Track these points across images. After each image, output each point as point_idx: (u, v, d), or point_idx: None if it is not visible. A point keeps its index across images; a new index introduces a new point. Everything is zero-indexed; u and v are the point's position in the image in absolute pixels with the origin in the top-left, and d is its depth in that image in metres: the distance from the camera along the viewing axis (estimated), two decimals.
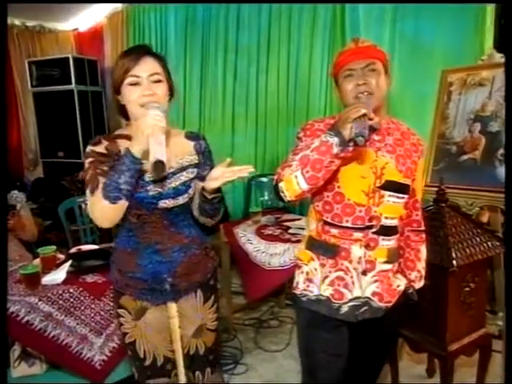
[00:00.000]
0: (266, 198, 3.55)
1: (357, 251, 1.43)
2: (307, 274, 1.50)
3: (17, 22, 5.17)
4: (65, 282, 1.99)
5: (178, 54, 4.55)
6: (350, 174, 1.40)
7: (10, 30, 4.97)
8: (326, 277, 1.46)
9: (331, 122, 1.41)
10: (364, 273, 1.44)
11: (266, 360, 2.70)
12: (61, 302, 1.90)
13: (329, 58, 3.60)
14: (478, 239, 1.91)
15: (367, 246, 1.43)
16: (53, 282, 1.98)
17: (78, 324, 1.92)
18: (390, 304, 1.48)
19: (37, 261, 2.16)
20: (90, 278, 2.04)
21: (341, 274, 1.44)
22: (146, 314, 1.49)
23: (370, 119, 1.23)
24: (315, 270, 1.48)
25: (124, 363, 1.94)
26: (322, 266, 1.47)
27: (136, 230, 1.44)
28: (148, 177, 1.39)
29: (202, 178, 1.47)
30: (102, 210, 1.32)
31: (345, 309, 1.45)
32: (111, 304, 1.80)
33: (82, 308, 1.94)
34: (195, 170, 1.49)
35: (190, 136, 1.55)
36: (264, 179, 3.72)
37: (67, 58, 4.79)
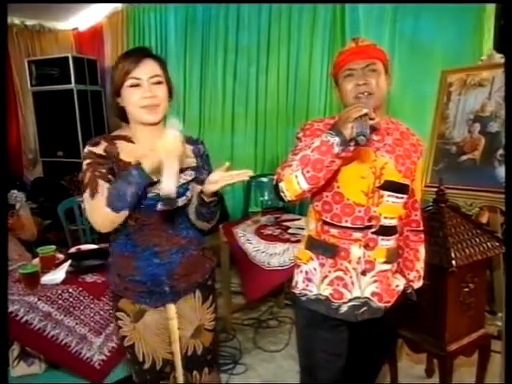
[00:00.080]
0: (266, 197, 3.55)
1: (356, 251, 1.43)
2: (306, 273, 1.50)
3: (16, 21, 5.17)
4: (64, 282, 1.99)
5: (177, 54, 4.55)
6: (349, 174, 1.40)
7: (9, 29, 4.97)
8: (326, 276, 1.46)
9: (331, 122, 1.41)
10: (363, 273, 1.44)
11: (265, 360, 2.70)
12: (60, 301, 1.90)
13: (329, 58, 3.60)
14: (477, 240, 1.91)
15: (366, 246, 1.43)
16: (52, 282, 1.98)
17: (77, 324, 1.92)
18: (390, 304, 1.48)
19: (36, 260, 2.16)
20: (89, 278, 2.04)
21: (340, 273, 1.44)
22: (145, 316, 1.49)
23: (371, 119, 1.23)
24: (314, 269, 1.48)
25: (122, 364, 1.94)
26: (322, 265, 1.47)
27: (134, 232, 1.44)
28: None
29: (200, 182, 1.47)
30: (103, 216, 1.31)
31: (344, 308, 1.45)
32: (110, 304, 1.80)
33: (82, 308, 1.94)
34: (193, 172, 1.49)
35: (189, 140, 1.55)
36: (264, 179, 3.72)
37: (67, 58, 4.79)
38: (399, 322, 1.73)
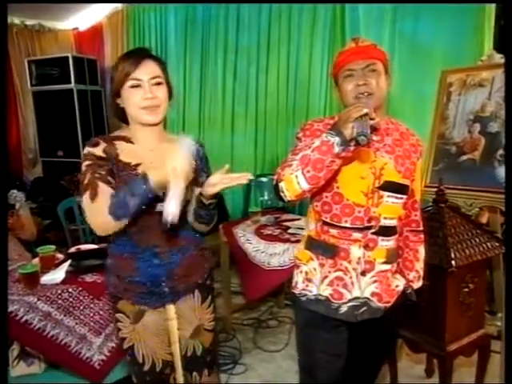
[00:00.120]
0: (266, 197, 3.55)
1: (356, 252, 1.43)
2: (306, 273, 1.50)
3: (16, 20, 5.17)
4: (64, 282, 1.99)
5: (177, 54, 4.55)
6: (349, 174, 1.40)
7: (9, 29, 4.97)
8: (326, 277, 1.46)
9: (330, 122, 1.41)
10: (363, 273, 1.44)
11: (265, 360, 2.70)
12: (60, 301, 1.90)
13: (329, 58, 3.60)
14: (477, 240, 1.91)
15: (366, 247, 1.43)
16: (52, 282, 1.98)
17: (76, 323, 1.92)
18: (389, 304, 1.48)
19: (36, 260, 2.16)
20: (89, 278, 2.04)
21: (340, 274, 1.44)
22: (145, 317, 1.48)
23: (372, 119, 1.23)
24: (314, 269, 1.48)
25: (122, 364, 1.93)
26: (322, 266, 1.47)
27: (134, 233, 1.44)
28: None
29: (199, 184, 1.48)
30: (104, 222, 1.31)
31: (344, 309, 1.45)
32: (110, 305, 1.80)
33: (81, 308, 1.94)
34: (192, 174, 1.49)
35: None
36: (263, 179, 3.71)
37: (67, 57, 4.79)
38: (399, 322, 1.73)
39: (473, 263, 1.84)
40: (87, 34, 5.54)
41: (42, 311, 1.85)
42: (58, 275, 2.01)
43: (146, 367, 1.51)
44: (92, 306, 1.96)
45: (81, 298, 1.95)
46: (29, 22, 5.28)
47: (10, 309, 1.78)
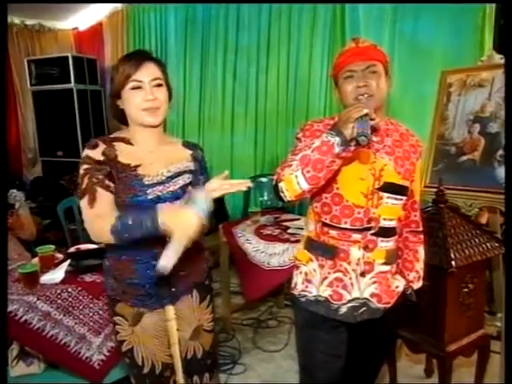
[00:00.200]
0: (265, 197, 3.56)
1: (355, 253, 1.43)
2: (306, 274, 1.50)
3: (16, 20, 5.17)
4: (63, 282, 1.98)
5: (177, 54, 4.56)
6: (348, 175, 1.40)
7: (9, 29, 4.97)
8: (325, 278, 1.46)
9: (330, 122, 1.40)
10: (362, 274, 1.44)
11: (265, 360, 2.70)
12: (59, 301, 1.90)
13: (329, 58, 3.60)
14: (476, 240, 1.91)
15: (366, 248, 1.42)
16: (51, 281, 1.98)
17: (76, 323, 1.91)
18: (389, 305, 1.48)
19: (35, 260, 2.16)
20: (88, 278, 2.03)
21: (339, 275, 1.44)
22: (143, 319, 1.48)
23: (372, 119, 1.23)
24: (314, 270, 1.48)
25: (121, 364, 1.93)
26: (321, 267, 1.47)
27: None
28: (147, 180, 1.39)
29: (197, 186, 1.48)
30: (102, 235, 1.32)
31: (343, 309, 1.45)
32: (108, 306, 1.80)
33: (81, 307, 1.94)
34: (190, 176, 1.50)
35: (188, 145, 1.56)
36: (263, 179, 3.71)
37: (66, 57, 4.79)
38: (399, 322, 1.73)
39: (472, 263, 1.84)
40: (87, 34, 5.54)
41: (42, 311, 1.85)
42: (57, 275, 2.01)
43: (146, 370, 1.50)
44: (91, 305, 1.96)
45: (80, 297, 1.95)
46: (29, 22, 5.28)
47: (10, 308, 1.78)
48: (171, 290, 1.48)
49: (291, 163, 1.31)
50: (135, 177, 1.38)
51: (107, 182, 1.36)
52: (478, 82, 2.39)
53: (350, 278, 1.44)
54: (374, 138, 1.41)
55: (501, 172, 2.17)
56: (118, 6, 5.01)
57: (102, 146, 1.39)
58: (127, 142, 1.44)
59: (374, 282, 1.45)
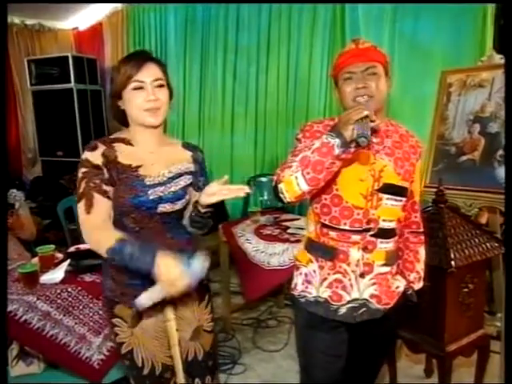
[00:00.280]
0: (265, 197, 3.56)
1: (355, 254, 1.42)
2: (306, 275, 1.50)
3: (16, 20, 5.17)
4: (63, 281, 1.98)
5: (177, 54, 4.56)
6: (348, 176, 1.40)
7: (9, 29, 4.96)
8: (325, 279, 1.46)
9: (330, 123, 1.41)
10: (362, 275, 1.44)
11: (265, 360, 2.70)
12: (59, 301, 1.90)
13: (329, 58, 3.60)
14: (476, 240, 1.91)
15: (365, 249, 1.42)
16: (51, 281, 1.98)
17: (76, 323, 1.91)
18: (389, 306, 1.48)
19: (35, 260, 2.16)
20: (88, 278, 2.03)
21: (339, 276, 1.44)
22: (143, 321, 1.47)
23: (372, 121, 1.23)
24: (314, 271, 1.48)
25: (119, 364, 1.93)
26: (321, 268, 1.47)
27: (133, 235, 1.41)
28: (149, 181, 1.40)
29: (196, 187, 1.49)
30: (100, 250, 1.34)
31: (343, 310, 1.45)
32: (105, 310, 1.80)
33: (81, 307, 1.94)
34: (191, 177, 1.50)
35: (188, 146, 1.56)
36: (263, 179, 3.72)
37: (66, 57, 4.79)
38: (399, 322, 1.73)
39: (472, 263, 1.84)
40: (87, 34, 5.54)
41: (42, 311, 1.85)
42: (57, 275, 2.01)
43: (146, 371, 1.49)
44: (91, 305, 1.96)
45: (80, 297, 1.95)
46: (29, 22, 5.27)
47: (10, 308, 1.78)
48: None
49: (291, 164, 1.31)
50: (136, 177, 1.39)
51: (104, 187, 1.36)
52: (478, 82, 2.39)
53: (350, 279, 1.44)
54: (374, 139, 1.40)
55: (501, 172, 2.17)
56: (118, 5, 5.01)
57: (101, 148, 1.39)
58: (127, 142, 1.44)
59: (374, 283, 1.45)
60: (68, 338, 1.89)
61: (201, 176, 1.54)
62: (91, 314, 1.95)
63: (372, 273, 1.44)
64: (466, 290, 1.90)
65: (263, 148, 4.20)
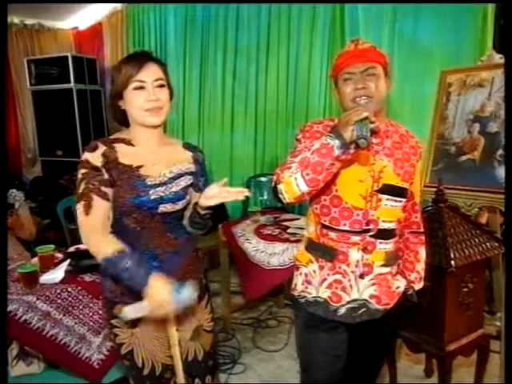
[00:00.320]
0: (265, 197, 3.56)
1: (354, 255, 1.43)
2: (306, 275, 1.50)
3: (16, 20, 5.15)
4: (63, 281, 1.99)
5: (177, 54, 4.55)
6: (347, 177, 1.40)
7: (8, 29, 4.95)
8: (325, 279, 1.46)
9: (330, 123, 1.41)
10: (361, 276, 1.44)
11: (264, 360, 2.70)
12: (59, 300, 1.90)
13: (328, 58, 3.60)
14: (476, 240, 1.91)
15: (365, 250, 1.42)
16: (51, 281, 1.98)
17: (76, 323, 1.91)
18: (389, 306, 1.48)
19: (35, 260, 2.16)
20: (88, 277, 2.03)
21: (339, 277, 1.44)
22: (142, 321, 1.47)
23: (371, 122, 1.23)
24: (314, 272, 1.48)
25: (118, 365, 1.93)
26: (321, 268, 1.47)
27: (133, 235, 1.43)
28: (150, 181, 1.40)
29: (197, 187, 1.50)
30: (97, 255, 1.34)
31: (342, 311, 1.45)
32: (105, 311, 1.80)
33: (81, 307, 1.94)
34: (191, 177, 1.50)
35: (188, 147, 1.57)
36: (263, 179, 3.72)
37: (66, 57, 4.78)
38: (399, 323, 1.73)
39: (472, 263, 1.84)
40: (87, 34, 5.53)
41: (41, 311, 1.85)
42: (57, 275, 2.01)
43: (146, 371, 1.49)
44: (91, 305, 1.96)
45: (80, 297, 1.95)
46: (28, 22, 5.26)
47: (9, 308, 1.78)
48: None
49: (291, 165, 1.31)
50: (137, 177, 1.39)
51: (103, 188, 1.36)
52: (478, 82, 2.39)
53: (349, 280, 1.44)
54: (374, 140, 1.40)
55: (501, 172, 2.17)
56: (118, 5, 5.00)
57: (101, 148, 1.38)
58: (128, 143, 1.44)
59: (374, 284, 1.45)
60: (68, 338, 1.89)
61: (201, 176, 1.55)
62: (91, 314, 1.95)
63: (372, 273, 1.44)
64: (465, 289, 1.90)
65: (263, 148, 4.20)
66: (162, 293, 1.27)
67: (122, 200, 1.37)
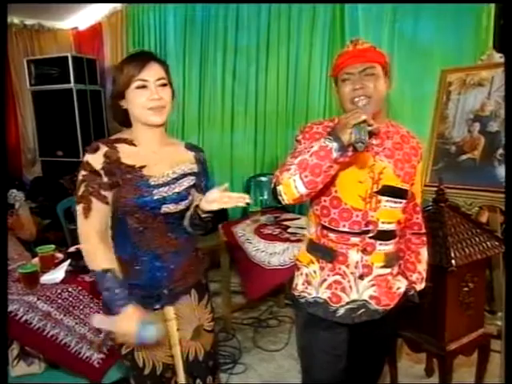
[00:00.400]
0: (265, 197, 3.56)
1: (354, 256, 1.43)
2: (306, 276, 1.50)
3: (15, 20, 5.15)
4: (63, 281, 1.99)
5: (177, 54, 4.55)
6: (347, 178, 1.40)
7: (8, 29, 4.95)
8: (325, 280, 1.46)
9: (330, 124, 1.41)
10: (361, 277, 1.44)
11: (265, 359, 2.70)
12: (59, 301, 1.90)
13: (328, 58, 3.60)
14: (477, 239, 1.91)
15: (364, 251, 1.42)
16: (51, 281, 1.98)
17: (76, 323, 1.91)
18: (389, 307, 1.48)
19: (35, 260, 2.16)
20: (88, 277, 2.03)
21: (338, 278, 1.44)
22: None
23: (370, 125, 1.22)
24: (314, 272, 1.48)
25: (118, 365, 1.93)
26: (322, 269, 1.47)
27: (136, 235, 1.43)
28: (153, 181, 1.40)
29: (199, 188, 1.50)
30: (91, 265, 1.36)
31: (341, 311, 1.45)
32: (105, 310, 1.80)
33: (81, 307, 1.94)
34: (194, 178, 1.51)
35: (190, 147, 1.57)
36: (263, 178, 3.72)
37: (66, 57, 4.77)
38: (399, 323, 1.73)
39: (473, 262, 1.84)
40: (86, 34, 5.53)
41: (42, 311, 1.85)
42: (57, 275, 2.01)
43: (147, 371, 1.49)
44: (92, 305, 1.96)
45: (80, 297, 1.95)
46: (28, 22, 5.26)
47: (10, 308, 1.78)
48: (171, 290, 1.48)
49: (290, 167, 1.31)
50: (140, 178, 1.39)
51: (103, 192, 1.36)
52: (478, 81, 2.39)
53: (349, 281, 1.44)
54: (374, 141, 1.40)
55: (501, 171, 2.17)
56: (118, 5, 5.00)
57: (103, 149, 1.38)
58: (130, 143, 1.44)
59: (373, 285, 1.45)
60: (68, 338, 1.89)
61: (203, 177, 1.55)
62: (92, 314, 1.95)
63: (371, 274, 1.44)
64: (466, 288, 1.89)
65: (263, 148, 4.20)
66: (130, 325, 1.29)
67: (124, 200, 1.37)
